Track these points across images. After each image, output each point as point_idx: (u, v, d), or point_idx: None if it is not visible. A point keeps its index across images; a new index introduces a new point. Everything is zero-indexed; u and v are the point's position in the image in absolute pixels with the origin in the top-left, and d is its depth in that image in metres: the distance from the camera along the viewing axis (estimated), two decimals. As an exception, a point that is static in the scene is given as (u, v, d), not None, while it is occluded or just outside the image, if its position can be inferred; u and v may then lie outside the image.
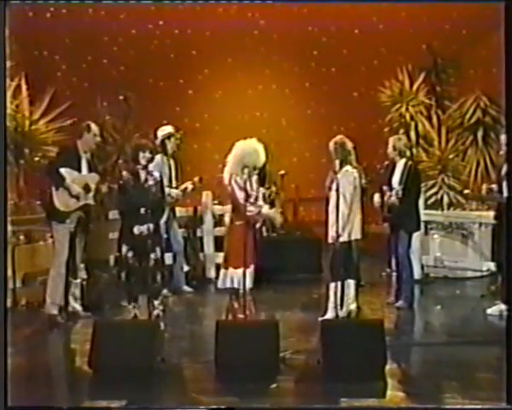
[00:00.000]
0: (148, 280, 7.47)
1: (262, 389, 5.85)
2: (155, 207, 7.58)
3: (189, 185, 9.58)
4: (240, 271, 7.14)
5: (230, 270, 7.26)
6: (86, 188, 8.07)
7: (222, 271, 7.39)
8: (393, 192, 8.41)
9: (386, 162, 8.80)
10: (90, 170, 8.22)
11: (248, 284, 7.14)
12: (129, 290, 7.61)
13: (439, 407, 5.57)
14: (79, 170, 8.10)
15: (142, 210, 7.38)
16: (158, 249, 7.61)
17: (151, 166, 7.72)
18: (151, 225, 7.45)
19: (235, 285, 7.26)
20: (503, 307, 7.79)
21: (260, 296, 7.76)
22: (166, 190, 8.55)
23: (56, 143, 10.29)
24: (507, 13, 5.44)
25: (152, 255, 7.51)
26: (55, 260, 8.14)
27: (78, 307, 8.29)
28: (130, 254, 7.48)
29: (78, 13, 12.56)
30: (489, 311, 8.24)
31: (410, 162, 8.77)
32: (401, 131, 11.71)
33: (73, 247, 8.15)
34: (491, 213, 8.95)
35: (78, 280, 8.34)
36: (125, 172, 7.69)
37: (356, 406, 5.57)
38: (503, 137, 8.13)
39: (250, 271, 7.19)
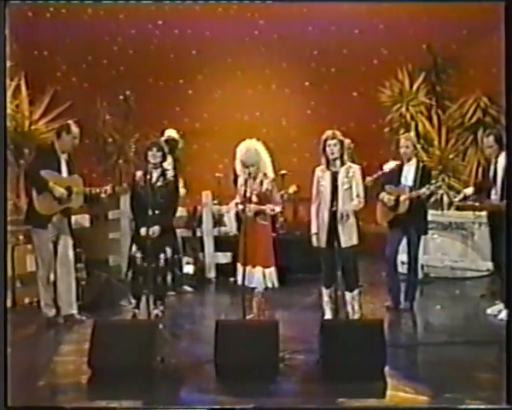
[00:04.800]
0: (156, 281, 7.50)
1: (261, 389, 5.83)
2: (166, 208, 7.57)
3: None
4: (260, 269, 7.38)
5: (252, 268, 7.32)
6: (68, 190, 7.81)
7: (241, 269, 7.29)
8: (421, 192, 8.16)
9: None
10: (70, 171, 7.95)
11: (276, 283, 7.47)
12: (134, 291, 7.68)
13: (440, 407, 5.55)
14: (59, 171, 7.86)
15: (150, 211, 7.37)
16: (168, 250, 7.62)
17: (165, 165, 7.72)
18: (157, 227, 7.42)
19: (256, 284, 7.40)
20: (502, 306, 7.80)
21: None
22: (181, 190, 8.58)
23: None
24: (507, 13, 5.41)
25: (161, 256, 7.55)
26: (38, 265, 8.01)
27: (72, 310, 8.10)
28: (138, 255, 7.54)
29: (77, 13, 12.55)
30: (489, 311, 8.24)
31: (421, 163, 8.67)
32: (401, 131, 11.68)
33: (58, 249, 7.99)
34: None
35: (72, 281, 8.14)
36: (138, 172, 7.70)
37: (356, 406, 5.56)
38: (490, 139, 8.14)
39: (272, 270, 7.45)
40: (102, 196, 7.94)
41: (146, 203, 7.40)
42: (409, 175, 8.42)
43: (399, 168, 8.54)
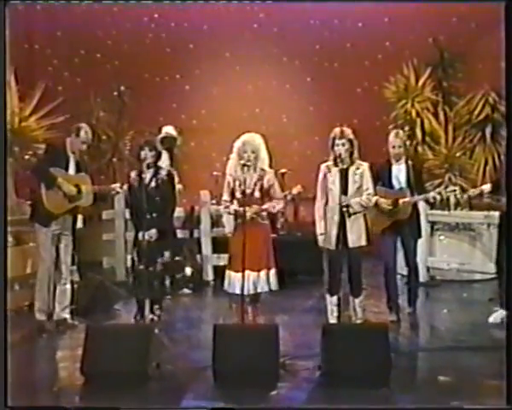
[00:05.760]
0: (154, 286, 7.44)
1: (261, 396, 5.72)
2: (163, 209, 7.41)
3: None
4: (264, 272, 7.14)
5: (251, 272, 7.03)
6: (77, 188, 7.66)
7: (240, 275, 6.91)
8: (431, 196, 7.81)
9: None
10: (78, 170, 7.80)
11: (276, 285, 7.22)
12: (136, 296, 7.63)
13: (441, 407, 5.48)
14: (66, 169, 7.70)
15: (147, 214, 7.21)
16: (167, 253, 7.53)
17: (160, 164, 7.60)
18: (154, 231, 7.31)
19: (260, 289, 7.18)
20: (502, 313, 7.56)
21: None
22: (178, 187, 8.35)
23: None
24: (507, 13, 5.37)
25: (159, 260, 7.45)
26: (39, 264, 7.84)
27: (64, 314, 7.89)
28: (136, 259, 7.49)
29: (70, 5, 12.50)
30: (491, 319, 7.86)
31: (410, 161, 8.18)
32: (406, 128, 11.58)
33: (59, 251, 7.82)
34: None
35: (67, 286, 7.92)
36: (132, 173, 7.54)
37: (356, 407, 5.48)
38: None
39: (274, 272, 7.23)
40: (112, 193, 7.90)
41: (141, 205, 7.25)
42: (400, 176, 7.96)
43: (389, 169, 8.04)
